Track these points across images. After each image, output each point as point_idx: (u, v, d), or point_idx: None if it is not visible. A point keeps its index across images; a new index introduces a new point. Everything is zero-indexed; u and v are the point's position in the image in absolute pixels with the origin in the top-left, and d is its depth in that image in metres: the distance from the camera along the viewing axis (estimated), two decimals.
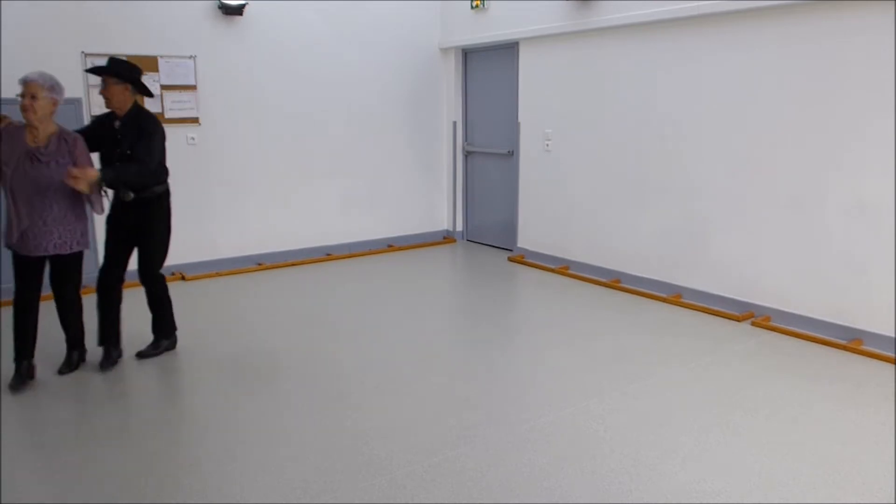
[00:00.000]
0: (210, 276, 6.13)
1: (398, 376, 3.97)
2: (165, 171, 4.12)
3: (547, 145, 6.44)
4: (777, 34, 4.55)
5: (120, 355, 4.19)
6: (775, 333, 4.62)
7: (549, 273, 6.29)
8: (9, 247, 3.76)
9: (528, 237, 6.79)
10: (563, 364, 4.12)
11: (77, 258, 3.90)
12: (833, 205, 4.40)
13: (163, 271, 4.27)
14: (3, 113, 3.85)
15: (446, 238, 7.73)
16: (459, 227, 7.72)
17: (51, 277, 3.90)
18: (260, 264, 6.45)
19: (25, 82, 3.64)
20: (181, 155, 5.74)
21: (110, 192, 3.98)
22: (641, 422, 3.37)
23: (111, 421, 3.47)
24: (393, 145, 7.23)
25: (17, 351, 3.86)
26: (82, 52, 5.45)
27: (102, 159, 4.01)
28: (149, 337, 4.32)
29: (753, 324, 4.79)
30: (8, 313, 5.07)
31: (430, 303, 5.50)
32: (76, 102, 5.40)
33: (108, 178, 3.75)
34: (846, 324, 4.40)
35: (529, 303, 5.67)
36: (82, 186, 3.60)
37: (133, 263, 4.19)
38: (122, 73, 3.91)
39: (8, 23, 5.13)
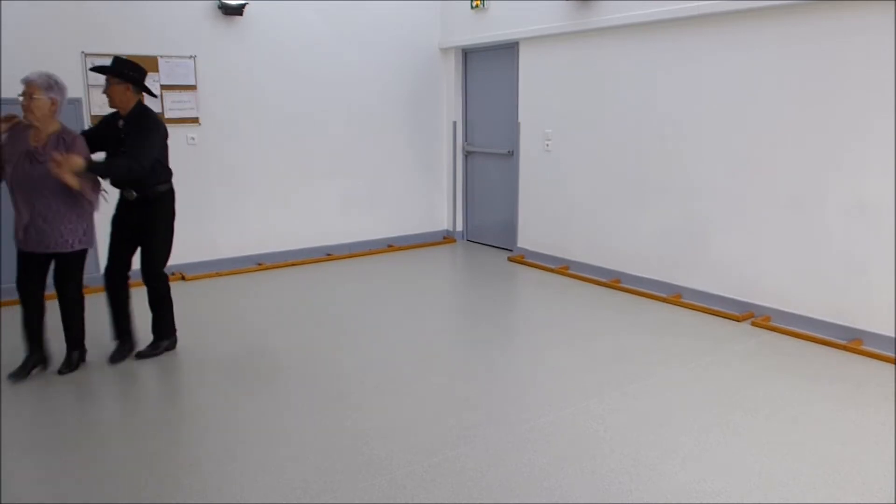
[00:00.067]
0: (210, 276, 6.13)
1: (398, 376, 3.97)
2: (168, 171, 4.13)
3: (547, 145, 6.44)
4: (777, 34, 4.55)
5: (131, 349, 4.24)
6: (775, 333, 4.62)
7: (549, 273, 6.29)
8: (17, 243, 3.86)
9: (528, 237, 6.79)
10: (563, 364, 4.12)
11: (79, 257, 3.91)
12: (833, 205, 4.40)
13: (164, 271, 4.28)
14: (12, 113, 3.88)
15: (446, 238, 7.73)
16: (459, 227, 7.72)
17: (54, 275, 3.95)
18: (260, 264, 6.45)
19: (25, 82, 3.72)
20: (181, 155, 5.73)
21: (108, 190, 3.99)
22: (641, 422, 3.38)
23: (111, 421, 3.48)
24: (393, 145, 7.23)
25: (26, 342, 3.98)
26: (82, 52, 5.45)
27: (107, 158, 4.04)
28: (149, 337, 4.32)
29: (753, 324, 4.79)
30: (8, 313, 5.10)
31: (430, 303, 5.50)
32: (76, 102, 5.40)
33: (95, 167, 3.75)
34: (846, 324, 4.40)
35: (529, 303, 5.67)
36: (66, 174, 3.58)
37: (136, 262, 4.21)
38: (123, 72, 3.93)
39: (8, 23, 5.13)
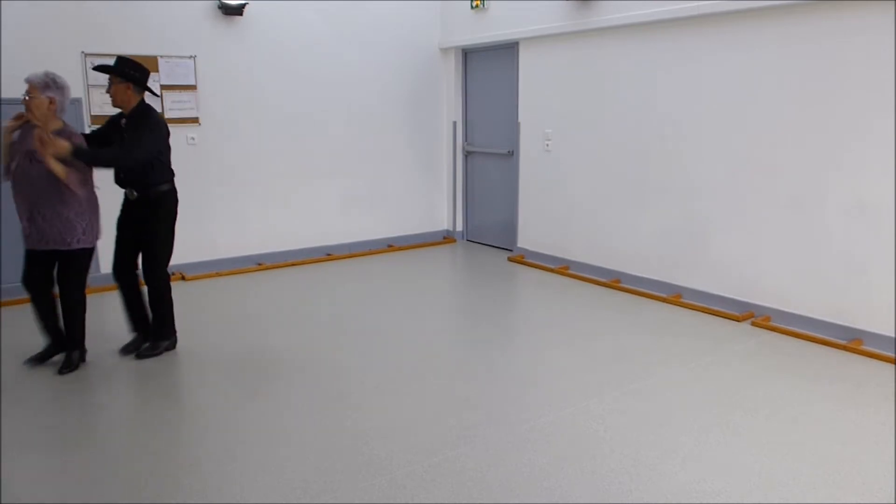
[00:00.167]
0: (210, 276, 6.13)
1: (398, 376, 3.97)
2: (170, 172, 4.14)
3: (547, 145, 6.44)
4: (777, 34, 4.55)
5: (149, 341, 4.30)
6: (775, 333, 4.62)
7: (549, 273, 6.29)
8: None
9: (528, 237, 6.79)
10: (563, 364, 4.12)
11: (78, 256, 3.93)
12: (833, 205, 4.40)
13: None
14: (23, 112, 3.92)
15: (446, 238, 7.73)
16: (459, 227, 7.72)
17: (56, 273, 3.99)
18: (260, 264, 6.45)
19: (26, 82, 3.78)
20: (181, 155, 5.72)
21: (99, 185, 4.02)
22: (641, 422, 3.38)
23: (111, 421, 3.47)
24: (393, 145, 7.23)
25: (45, 335, 4.12)
26: (82, 52, 5.45)
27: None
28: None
29: (753, 324, 4.79)
30: (8, 313, 5.10)
31: (430, 303, 5.50)
32: (76, 102, 5.40)
33: (81, 153, 3.72)
34: (846, 324, 4.40)
35: (529, 303, 5.67)
36: (51, 160, 3.61)
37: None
38: (125, 71, 3.94)
39: (8, 23, 5.13)
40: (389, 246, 7.28)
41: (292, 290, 5.79)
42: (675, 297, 5.34)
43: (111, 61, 4.05)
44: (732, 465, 2.98)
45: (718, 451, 3.09)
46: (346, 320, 4.99)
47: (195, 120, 6.01)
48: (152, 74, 5.66)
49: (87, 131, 4.61)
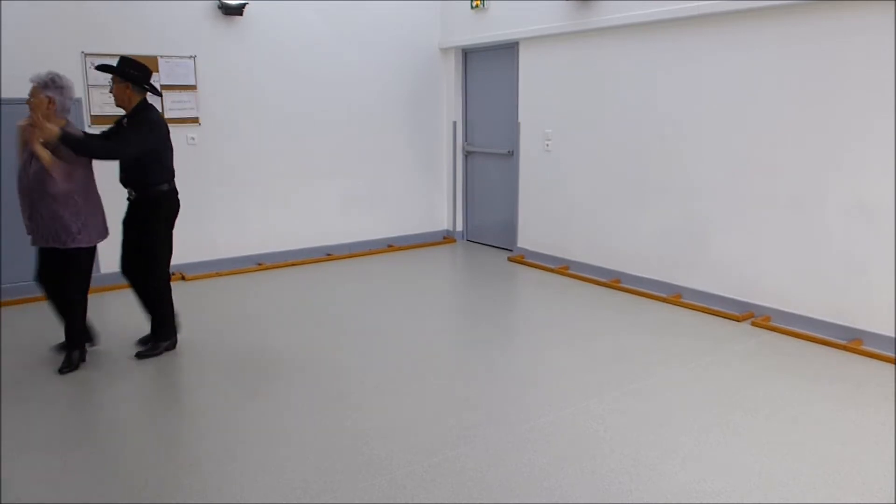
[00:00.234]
0: (210, 276, 6.13)
1: (398, 376, 3.97)
2: (168, 172, 4.13)
3: (547, 145, 6.44)
4: (777, 34, 4.55)
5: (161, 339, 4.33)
6: (775, 333, 4.62)
7: (549, 273, 6.29)
8: None
9: (528, 237, 6.79)
10: (563, 364, 4.12)
11: (75, 256, 3.94)
12: (833, 205, 4.40)
13: None
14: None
15: (446, 238, 7.73)
16: (459, 227, 7.72)
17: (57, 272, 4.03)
18: (260, 264, 6.45)
19: (30, 81, 3.84)
20: (181, 155, 5.68)
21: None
22: (641, 422, 3.38)
23: (111, 421, 3.47)
24: (393, 145, 7.23)
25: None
26: (82, 52, 5.45)
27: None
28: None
29: (753, 324, 4.79)
30: (8, 313, 5.10)
31: (430, 303, 5.50)
32: (76, 102, 5.39)
33: (69, 139, 3.72)
34: (846, 324, 4.40)
35: (529, 303, 5.67)
36: (37, 144, 3.66)
37: None
38: (124, 71, 3.97)
39: (8, 23, 5.13)
40: (389, 246, 7.28)
41: (292, 290, 5.79)
42: (675, 297, 5.34)
43: (111, 61, 4.07)
44: (732, 465, 2.98)
45: (718, 451, 3.09)
46: (346, 320, 4.99)
47: (195, 120, 6.01)
48: (153, 74, 5.67)
49: (88, 132, 4.61)
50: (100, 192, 4.08)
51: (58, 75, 3.85)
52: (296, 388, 3.81)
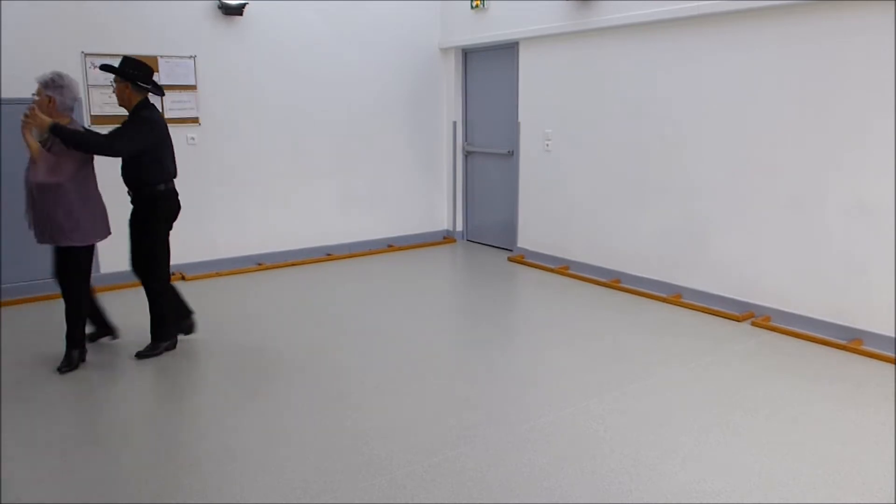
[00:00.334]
0: (210, 276, 6.13)
1: (398, 376, 3.97)
2: (164, 172, 4.13)
3: (547, 145, 6.44)
4: (777, 34, 4.55)
5: (166, 345, 4.33)
6: (775, 333, 4.62)
7: (549, 273, 6.29)
8: None
9: (528, 237, 6.79)
10: (563, 364, 4.12)
11: (71, 254, 3.96)
12: (833, 205, 4.40)
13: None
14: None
15: (446, 238, 7.73)
16: (459, 227, 7.72)
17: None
18: (260, 264, 6.45)
19: (36, 81, 3.92)
20: (181, 155, 5.67)
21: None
22: (641, 422, 3.37)
23: (111, 421, 3.47)
24: (393, 145, 7.23)
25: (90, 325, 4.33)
26: (82, 52, 5.45)
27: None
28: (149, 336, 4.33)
29: (753, 324, 4.79)
30: (8, 313, 5.10)
31: (430, 303, 5.50)
32: (77, 102, 5.40)
33: (58, 130, 3.74)
34: (846, 324, 4.40)
35: (529, 303, 5.67)
36: (28, 133, 3.72)
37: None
38: (123, 71, 4.00)
39: (8, 23, 5.13)
40: (389, 246, 7.28)
41: (292, 290, 5.79)
42: (675, 297, 5.34)
43: (111, 61, 4.09)
44: (732, 465, 2.98)
45: (718, 451, 3.09)
46: (346, 320, 4.99)
47: (195, 120, 6.01)
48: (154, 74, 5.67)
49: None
50: (111, 191, 4.10)
51: (59, 75, 3.88)
52: (296, 388, 3.81)
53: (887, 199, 4.12)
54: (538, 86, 6.46)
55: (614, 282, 5.81)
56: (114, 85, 4.06)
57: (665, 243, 5.48)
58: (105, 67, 4.08)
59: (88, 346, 4.23)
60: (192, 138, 6.01)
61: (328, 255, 6.86)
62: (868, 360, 4.16)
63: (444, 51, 7.36)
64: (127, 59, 4.06)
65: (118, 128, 4.01)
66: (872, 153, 4.17)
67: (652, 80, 5.40)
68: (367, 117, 6.98)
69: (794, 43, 4.47)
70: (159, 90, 4.20)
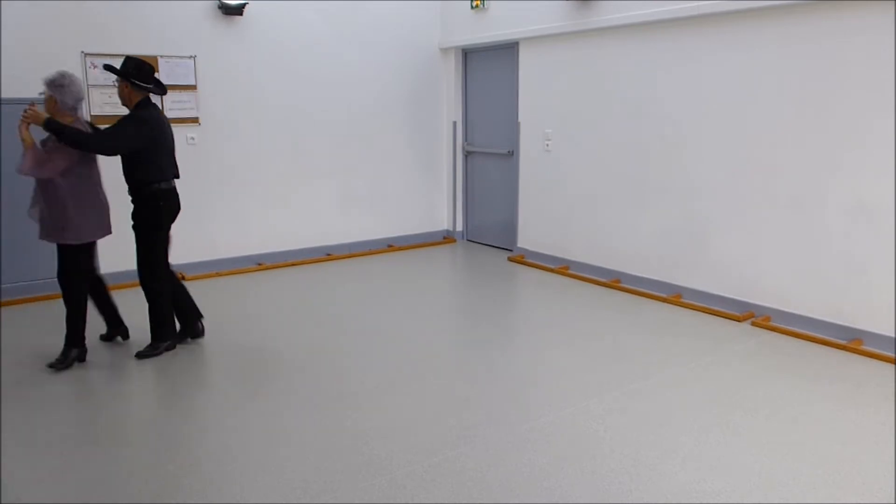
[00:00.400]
0: (210, 276, 6.13)
1: (398, 376, 3.97)
2: (162, 171, 4.12)
3: (547, 145, 6.44)
4: (777, 34, 4.55)
5: (163, 341, 4.32)
6: (775, 333, 4.62)
7: (549, 273, 6.29)
8: None
9: (528, 237, 6.79)
10: (563, 364, 4.12)
11: (67, 252, 4.00)
12: (833, 205, 4.40)
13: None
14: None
15: (446, 238, 7.73)
16: (459, 227, 7.72)
17: None
18: (260, 264, 6.45)
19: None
20: (181, 155, 5.69)
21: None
22: (641, 422, 3.37)
23: (111, 421, 3.47)
24: (393, 145, 7.23)
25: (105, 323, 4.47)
26: (82, 51, 5.45)
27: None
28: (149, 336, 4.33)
29: (753, 324, 4.79)
30: (8, 313, 5.10)
31: (430, 303, 5.50)
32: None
33: (52, 125, 3.78)
34: (846, 324, 4.40)
35: (529, 303, 5.67)
36: (24, 127, 3.78)
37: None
38: (122, 71, 4.02)
39: (8, 23, 5.13)
40: (389, 246, 7.28)
41: (292, 290, 5.79)
42: (675, 297, 5.34)
43: (111, 61, 4.10)
44: (732, 465, 2.98)
45: (718, 451, 3.09)
46: (346, 320, 4.99)
47: (195, 120, 6.01)
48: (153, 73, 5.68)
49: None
50: (114, 191, 4.12)
51: (62, 75, 3.92)
52: (296, 388, 3.81)
53: (887, 199, 4.12)
54: (538, 86, 6.46)
55: (614, 282, 5.81)
56: (117, 84, 4.09)
57: (665, 243, 5.48)
58: (107, 67, 4.11)
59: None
60: (192, 138, 6.01)
61: (328, 255, 6.86)
62: (868, 360, 4.16)
63: (444, 51, 7.36)
64: (129, 59, 4.08)
65: (110, 126, 4.04)
66: (872, 153, 4.17)
67: (652, 80, 5.40)
68: (367, 117, 6.98)
69: (794, 43, 4.47)
70: (161, 89, 4.19)
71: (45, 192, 3.88)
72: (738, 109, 4.84)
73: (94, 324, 4.35)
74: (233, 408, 3.58)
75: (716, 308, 5.06)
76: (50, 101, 3.88)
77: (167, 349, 4.31)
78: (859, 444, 3.14)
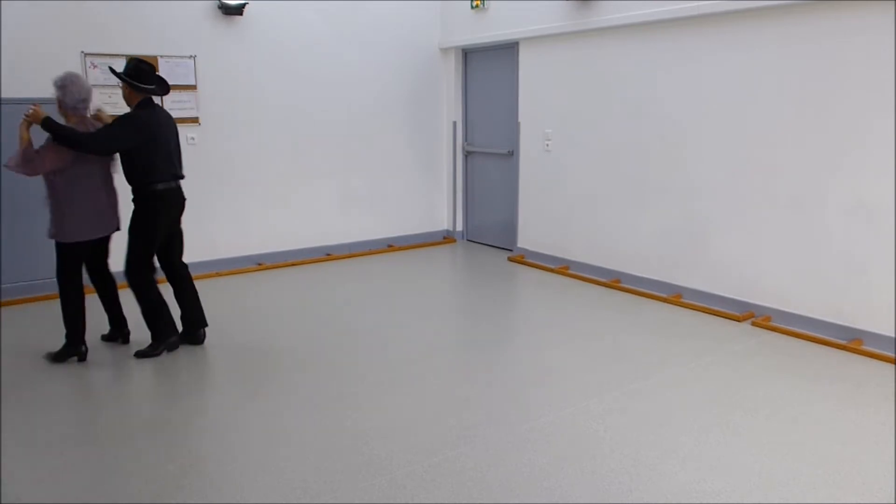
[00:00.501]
0: (210, 276, 6.12)
1: (398, 376, 3.97)
2: (158, 171, 4.11)
3: (547, 145, 6.44)
4: (777, 34, 4.55)
5: (167, 340, 4.32)
6: (775, 333, 4.62)
7: (549, 273, 6.29)
8: None
9: (528, 237, 6.79)
10: (563, 364, 4.12)
11: (59, 249, 4.04)
12: (833, 205, 4.40)
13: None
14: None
15: (446, 238, 7.73)
16: (459, 227, 7.71)
17: None
18: (260, 264, 6.45)
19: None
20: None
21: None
22: (641, 422, 3.37)
23: (111, 421, 3.47)
24: (393, 145, 7.23)
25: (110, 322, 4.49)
26: (82, 51, 5.44)
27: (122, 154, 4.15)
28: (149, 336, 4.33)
29: (753, 324, 4.79)
30: (8, 313, 5.10)
31: (429, 303, 5.50)
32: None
33: (49, 123, 3.82)
34: (846, 324, 4.40)
35: (529, 303, 5.67)
36: (23, 124, 3.82)
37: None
38: (119, 73, 4.05)
39: (8, 23, 5.13)
40: (389, 246, 7.28)
41: (292, 290, 5.79)
42: (675, 297, 5.34)
43: (111, 61, 4.12)
44: (732, 465, 2.98)
45: (718, 451, 3.09)
46: (346, 320, 4.99)
47: (195, 120, 6.01)
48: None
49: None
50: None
51: (64, 76, 3.95)
52: (296, 388, 3.81)
53: (887, 199, 4.12)
54: (538, 86, 6.46)
55: (614, 282, 5.81)
56: (121, 85, 4.13)
57: (665, 243, 5.48)
58: (112, 70, 4.16)
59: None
60: (192, 138, 6.01)
61: (328, 255, 6.86)
62: (868, 360, 4.16)
63: (444, 51, 7.36)
64: (130, 60, 4.13)
65: (104, 126, 4.07)
66: (872, 153, 4.17)
67: (652, 80, 5.40)
68: (367, 117, 6.97)
69: (794, 43, 4.47)
70: (162, 89, 4.18)
71: (47, 190, 3.94)
72: (738, 109, 4.84)
73: (95, 324, 4.35)
74: (233, 408, 3.58)
75: (716, 308, 5.06)
76: (57, 102, 3.96)
77: (169, 349, 4.30)
78: (859, 444, 3.14)
